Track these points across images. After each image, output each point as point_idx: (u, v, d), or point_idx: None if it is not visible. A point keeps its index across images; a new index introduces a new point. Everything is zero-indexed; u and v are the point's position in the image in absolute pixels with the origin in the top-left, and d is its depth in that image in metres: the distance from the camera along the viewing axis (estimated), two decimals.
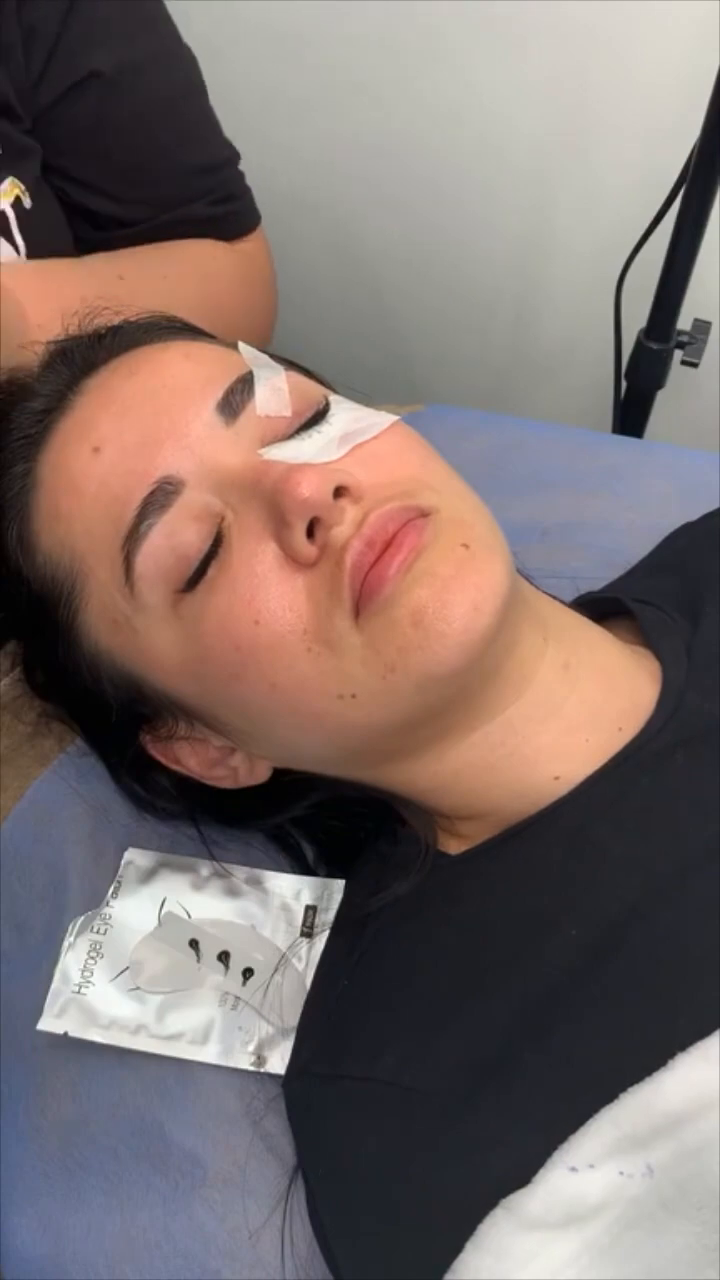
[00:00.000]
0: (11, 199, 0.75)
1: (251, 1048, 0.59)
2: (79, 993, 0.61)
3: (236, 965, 0.62)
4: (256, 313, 0.88)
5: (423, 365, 1.46)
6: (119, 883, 0.65)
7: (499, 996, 0.52)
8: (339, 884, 0.64)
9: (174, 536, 0.52)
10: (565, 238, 1.25)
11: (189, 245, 0.83)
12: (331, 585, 0.51)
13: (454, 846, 0.59)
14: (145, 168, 0.80)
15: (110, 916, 0.63)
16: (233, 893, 0.64)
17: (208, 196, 0.84)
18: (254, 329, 0.87)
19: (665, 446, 0.95)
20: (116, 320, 0.62)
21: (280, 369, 0.56)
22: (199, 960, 0.62)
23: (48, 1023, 0.60)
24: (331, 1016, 0.58)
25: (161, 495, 0.53)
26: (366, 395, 0.62)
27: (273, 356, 0.58)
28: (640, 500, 0.83)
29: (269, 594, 0.51)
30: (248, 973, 0.61)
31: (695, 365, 1.12)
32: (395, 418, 0.56)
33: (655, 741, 0.56)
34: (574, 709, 0.57)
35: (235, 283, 0.85)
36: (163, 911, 0.64)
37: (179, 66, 0.82)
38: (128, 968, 0.62)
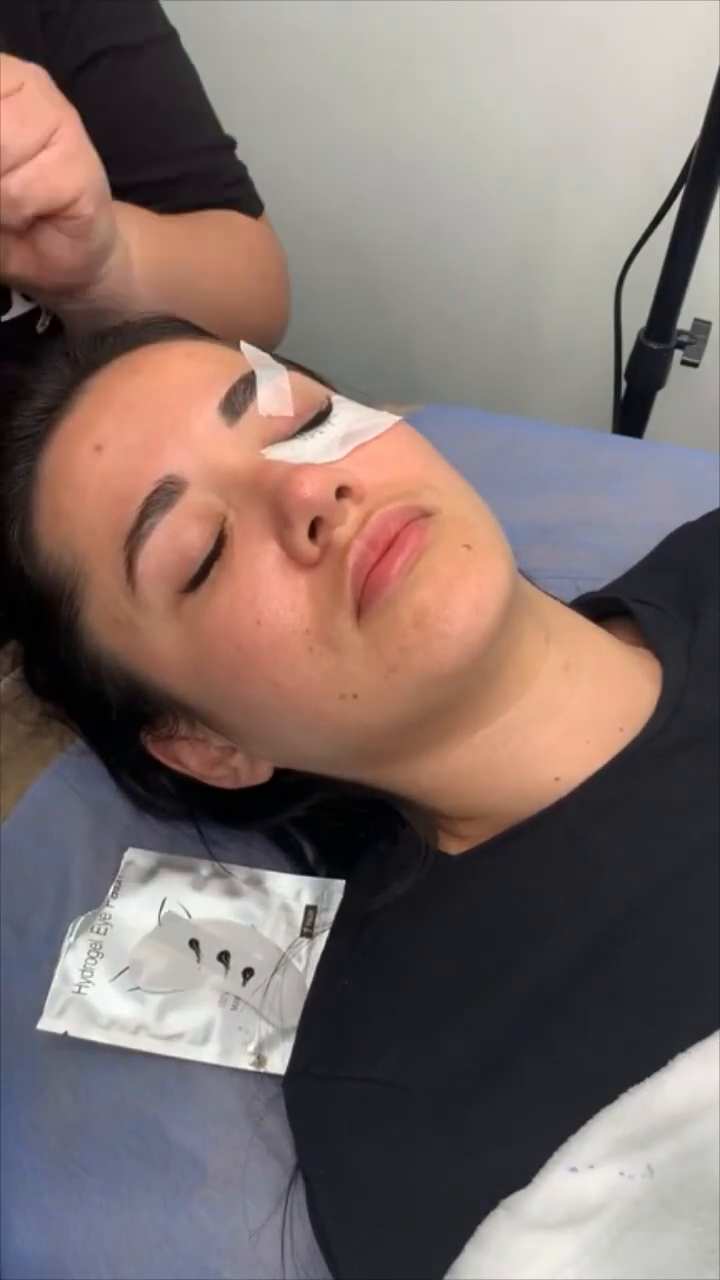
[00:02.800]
0: None
1: (251, 1048, 0.59)
2: (79, 992, 0.61)
3: (236, 965, 0.62)
4: (284, 288, 0.90)
5: (423, 365, 1.46)
6: (119, 883, 0.65)
7: (499, 997, 0.52)
8: (339, 884, 0.64)
9: (176, 536, 0.52)
10: (565, 238, 1.25)
11: (228, 215, 0.85)
12: (333, 585, 0.51)
13: (454, 847, 0.59)
14: (158, 143, 0.81)
15: (110, 916, 0.63)
16: (233, 893, 0.64)
17: (221, 178, 0.85)
18: (283, 306, 0.89)
19: (665, 446, 0.95)
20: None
21: (283, 369, 0.56)
22: (199, 960, 0.62)
23: (48, 1022, 0.60)
24: (331, 1017, 0.58)
25: (164, 495, 0.52)
26: (366, 395, 0.62)
27: (275, 356, 0.58)
28: (640, 500, 0.83)
29: (271, 594, 0.51)
30: (248, 973, 0.61)
31: (695, 365, 1.12)
32: (397, 418, 0.56)
33: (656, 742, 0.56)
34: (575, 710, 0.57)
35: (270, 252, 0.87)
36: (163, 911, 0.64)
37: (179, 52, 0.83)
38: (128, 968, 0.62)
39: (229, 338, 0.60)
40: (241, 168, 0.88)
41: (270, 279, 0.86)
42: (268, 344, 0.81)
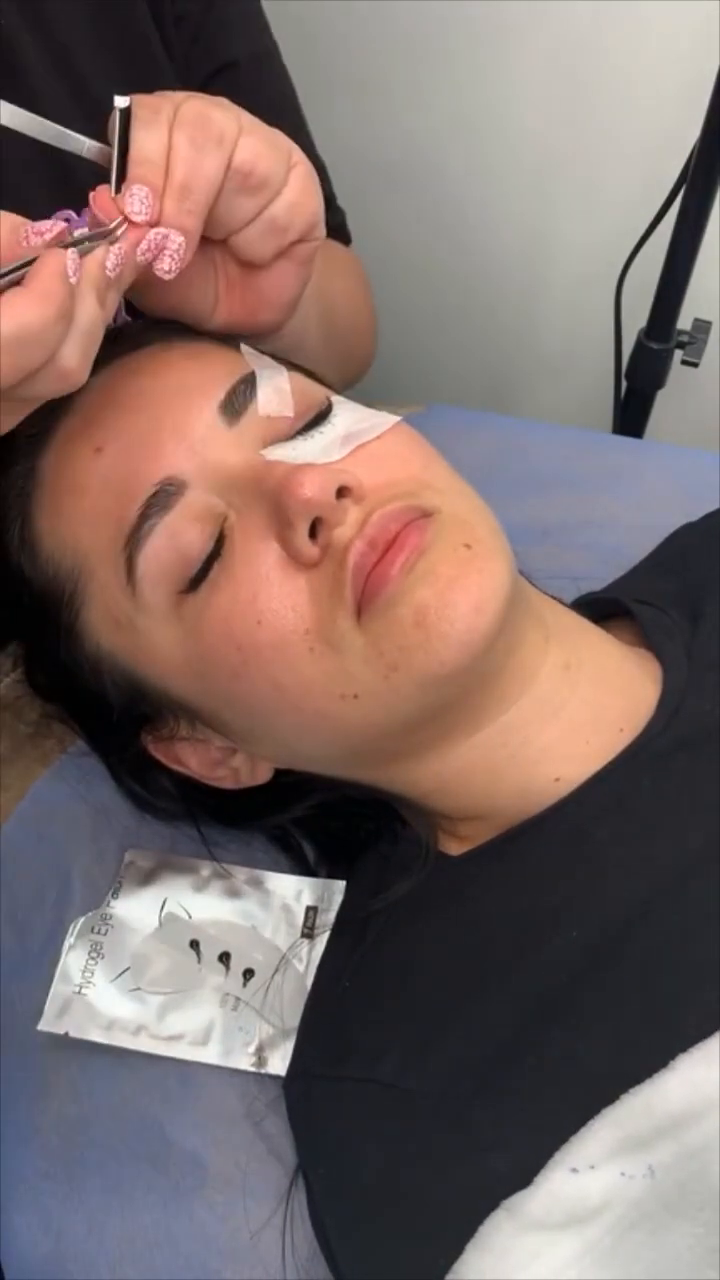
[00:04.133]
0: None
1: (252, 1048, 0.59)
2: (80, 993, 0.61)
3: (237, 966, 0.62)
4: (372, 317, 0.87)
5: (423, 365, 1.46)
6: (120, 883, 0.65)
7: (500, 998, 0.52)
8: (340, 885, 0.64)
9: (176, 537, 0.52)
10: (565, 238, 1.25)
11: (335, 243, 0.81)
12: (334, 585, 0.51)
13: (455, 847, 0.59)
14: None
15: (111, 917, 0.63)
16: (233, 893, 0.64)
17: (329, 202, 0.81)
18: (373, 333, 0.86)
19: (665, 446, 0.95)
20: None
21: (283, 369, 0.56)
22: (200, 961, 0.62)
23: (48, 1023, 0.60)
24: (332, 1018, 0.58)
25: (164, 496, 0.52)
26: (367, 395, 0.62)
27: (275, 357, 0.58)
28: (640, 500, 0.83)
29: (271, 594, 0.51)
30: (248, 973, 0.61)
31: (695, 365, 1.12)
32: (398, 419, 0.56)
33: (656, 743, 0.56)
34: (575, 710, 0.57)
35: (367, 282, 0.85)
36: (163, 912, 0.64)
37: (282, 62, 0.80)
38: (128, 968, 0.62)
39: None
40: (330, 190, 0.85)
41: (371, 309, 0.84)
42: (363, 375, 0.78)
